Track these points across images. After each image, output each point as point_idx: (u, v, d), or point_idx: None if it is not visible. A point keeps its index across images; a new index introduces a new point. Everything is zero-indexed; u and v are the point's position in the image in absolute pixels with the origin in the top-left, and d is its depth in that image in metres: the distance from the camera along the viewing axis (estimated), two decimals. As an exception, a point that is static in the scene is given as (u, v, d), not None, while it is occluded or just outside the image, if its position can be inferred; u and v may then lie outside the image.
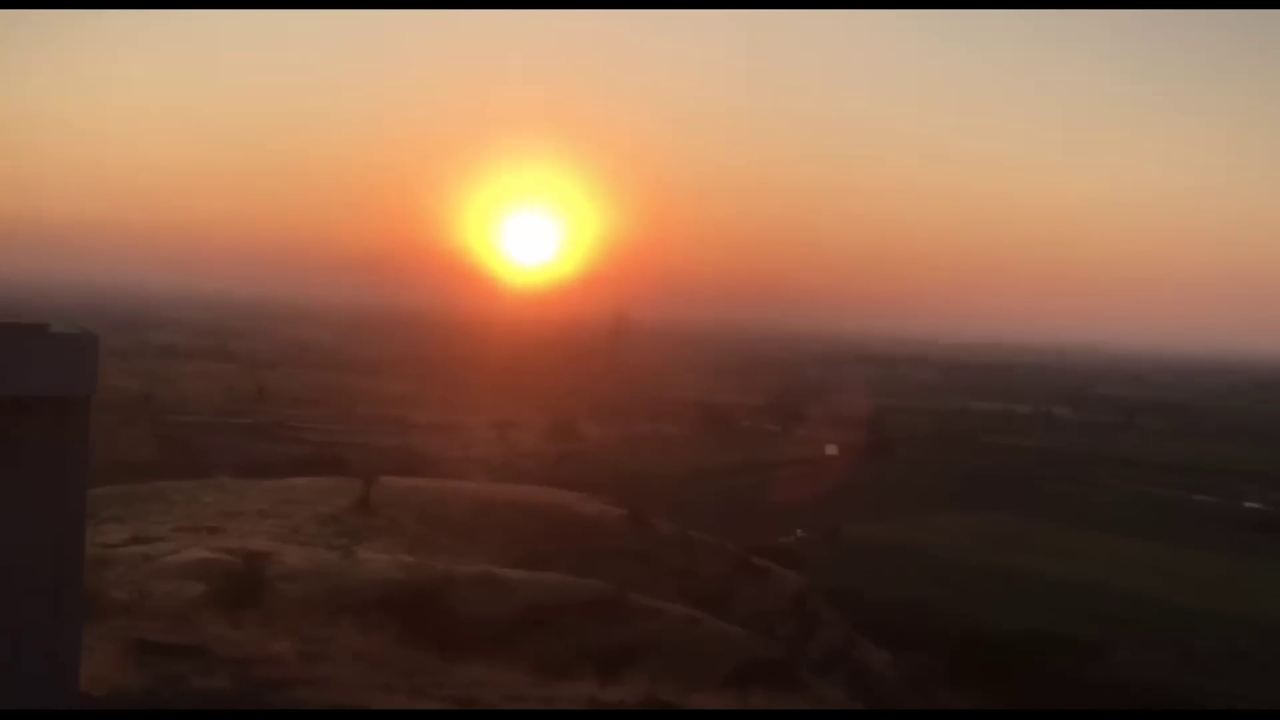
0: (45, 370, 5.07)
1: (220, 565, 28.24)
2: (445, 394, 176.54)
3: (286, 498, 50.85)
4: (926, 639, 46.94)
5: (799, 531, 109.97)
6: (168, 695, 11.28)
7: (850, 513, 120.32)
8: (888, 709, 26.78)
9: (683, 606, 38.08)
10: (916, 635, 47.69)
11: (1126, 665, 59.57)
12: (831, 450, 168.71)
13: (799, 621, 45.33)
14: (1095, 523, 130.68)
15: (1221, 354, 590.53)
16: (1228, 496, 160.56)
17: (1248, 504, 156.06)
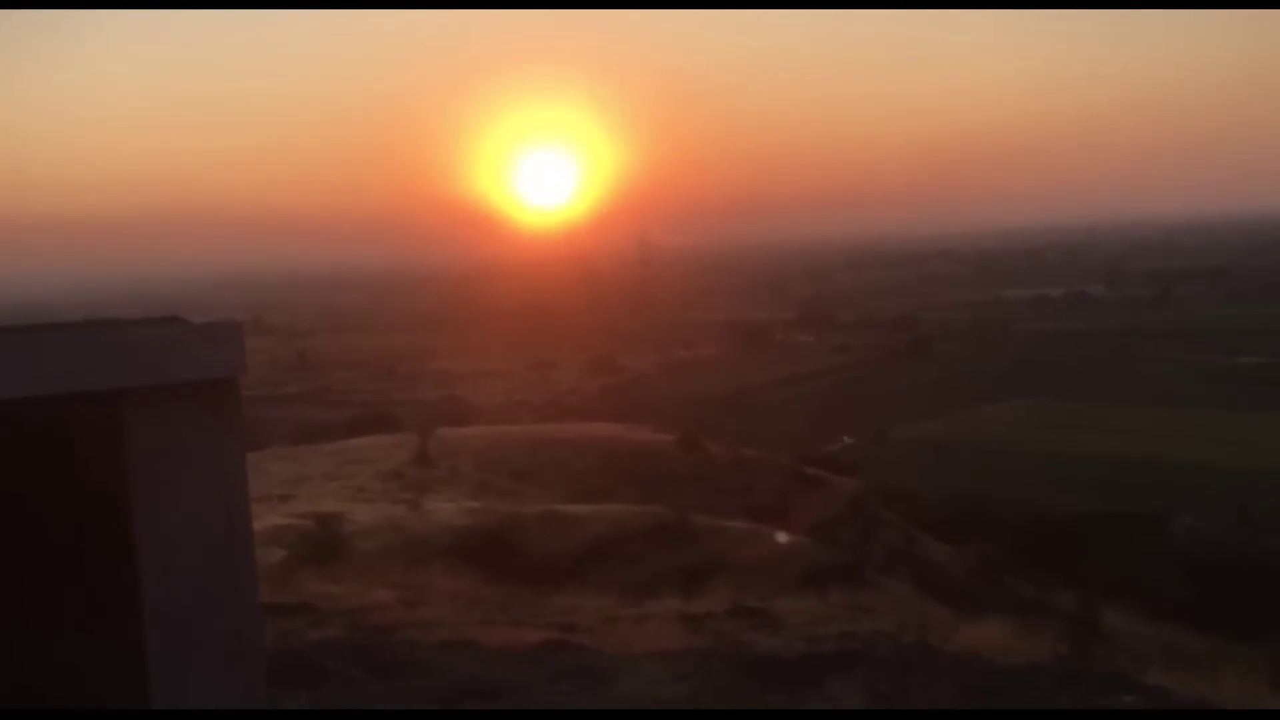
0: (199, 357, 5.65)
1: (297, 529, 29.18)
2: (482, 342, 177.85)
3: (347, 459, 52.05)
4: (986, 529, 47.53)
5: (847, 438, 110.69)
6: (293, 647, 12.05)
7: (895, 414, 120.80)
8: (956, 599, 27.47)
9: (744, 522, 38.91)
10: (975, 527, 48.29)
11: (1188, 532, 60.09)
12: (868, 355, 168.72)
13: (859, 525, 46.11)
14: (1141, 397, 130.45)
15: (1260, 211, 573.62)
16: (1274, 355, 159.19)
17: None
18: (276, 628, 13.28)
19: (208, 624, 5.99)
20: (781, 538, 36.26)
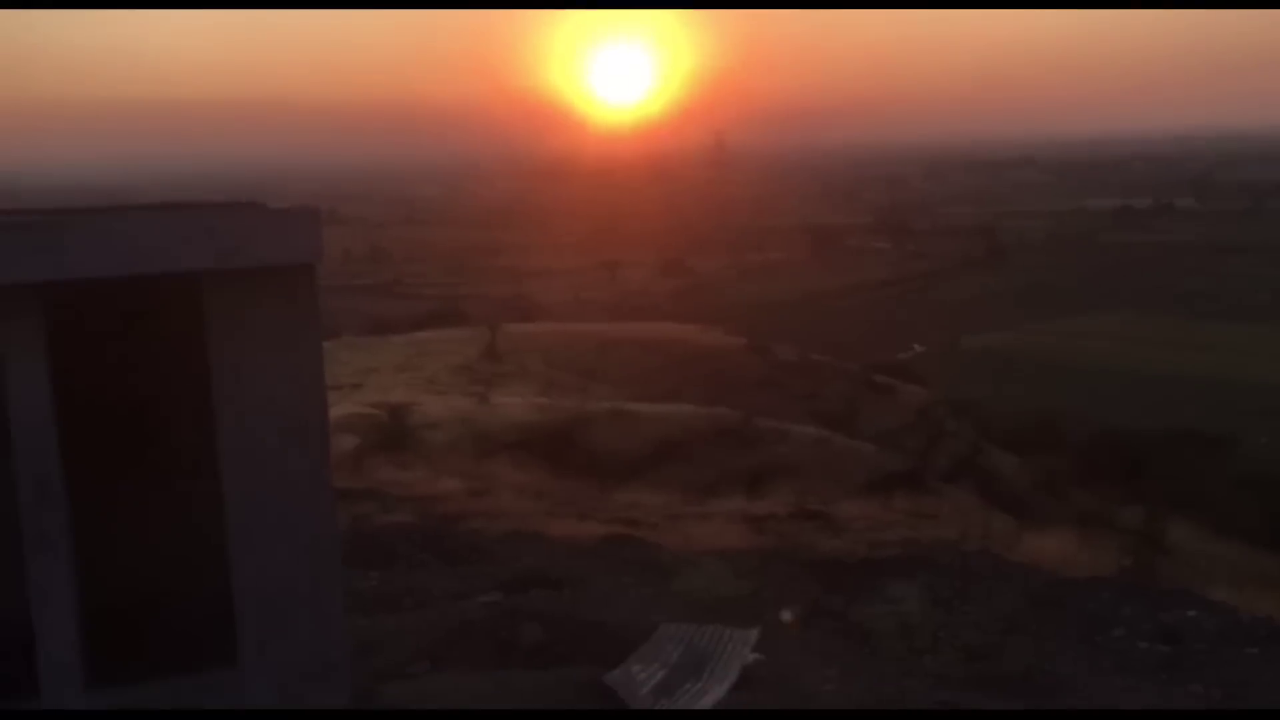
0: (278, 242, 5.72)
1: (368, 418, 29.82)
2: (552, 239, 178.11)
3: (417, 351, 52.86)
4: (1054, 443, 47.01)
5: (917, 347, 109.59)
6: (364, 530, 12.41)
7: (968, 324, 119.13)
8: (1021, 510, 27.34)
9: (810, 428, 38.90)
10: (1044, 440, 47.77)
11: (1262, 450, 58.86)
12: (943, 263, 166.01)
13: (925, 434, 45.90)
14: (1223, 314, 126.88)
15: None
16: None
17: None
18: (348, 512, 13.67)
19: (285, 502, 6.18)
20: (846, 443, 36.26)
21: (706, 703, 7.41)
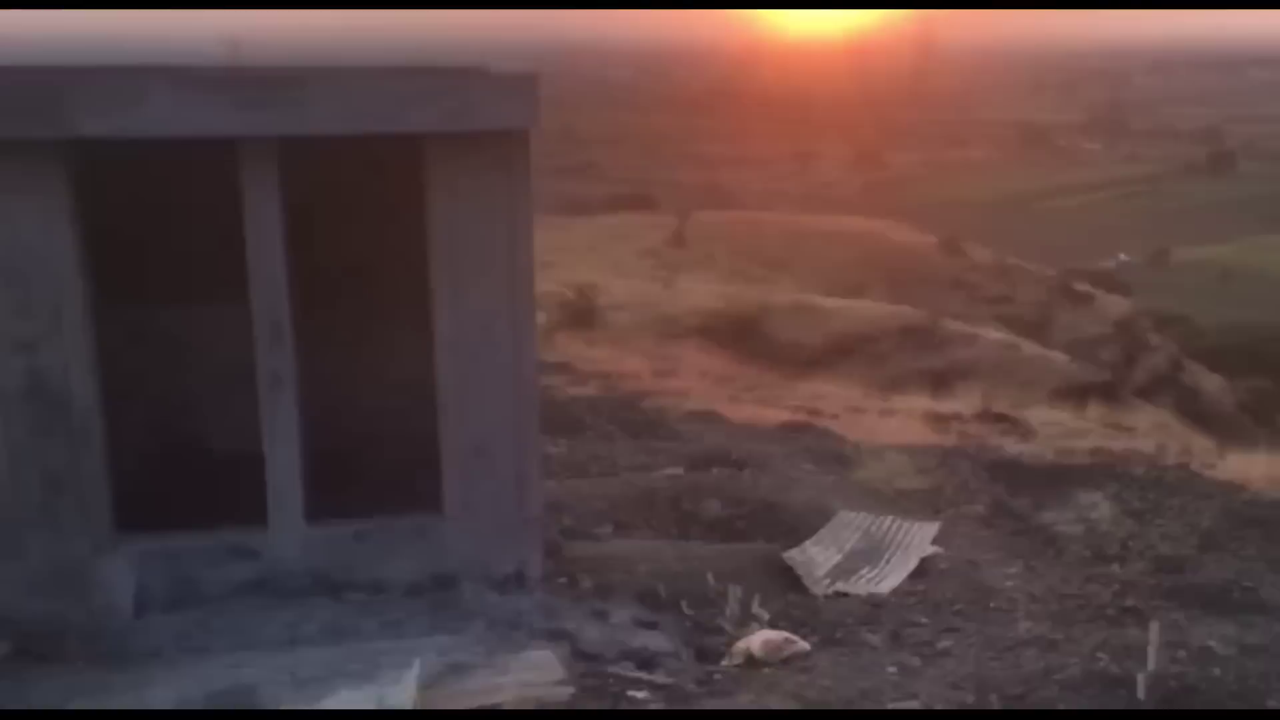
0: (497, 107, 5.90)
1: (556, 296, 30.49)
2: (747, 127, 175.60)
3: (606, 234, 53.60)
4: (1264, 363, 44.18)
5: (1122, 255, 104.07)
6: (554, 399, 12.85)
7: (1182, 234, 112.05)
8: (1223, 430, 25.93)
9: (1000, 332, 37.75)
10: (1253, 360, 44.96)
11: None
12: (1160, 168, 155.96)
13: (1123, 346, 43.89)
14: None
15: None
16: None
17: None
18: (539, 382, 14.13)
19: (491, 359, 6.48)
20: (1037, 351, 35.09)
21: (884, 588, 7.49)
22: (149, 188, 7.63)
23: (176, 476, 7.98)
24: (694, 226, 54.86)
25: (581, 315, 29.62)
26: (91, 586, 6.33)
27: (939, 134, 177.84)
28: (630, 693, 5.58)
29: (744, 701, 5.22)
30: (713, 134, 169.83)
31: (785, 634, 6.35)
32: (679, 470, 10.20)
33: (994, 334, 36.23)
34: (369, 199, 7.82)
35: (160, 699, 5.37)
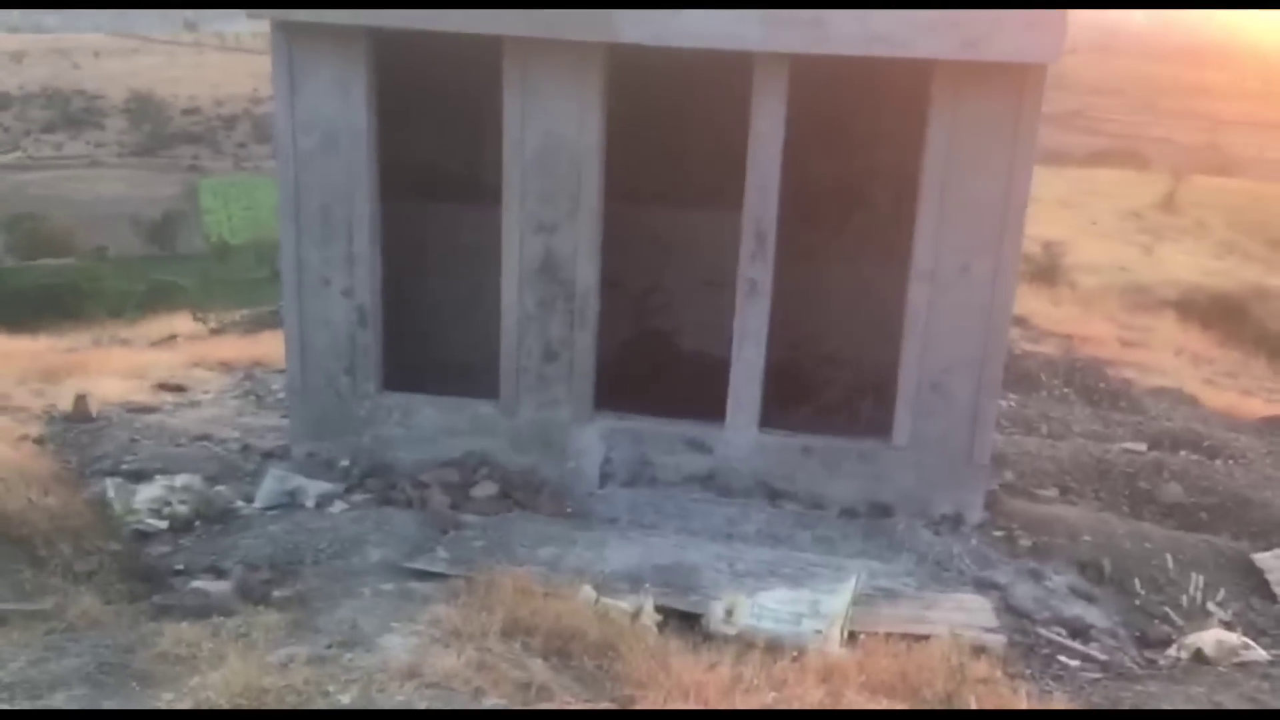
0: (1017, 40, 5.70)
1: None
2: (1264, 87, 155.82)
3: (1084, 189, 50.15)
4: None
5: None
6: (1010, 352, 12.35)
7: None
8: None
9: None
10: None
11: None
12: None
13: None
14: None
15: None
16: None
17: None
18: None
19: (966, 293, 6.35)
20: None
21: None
22: (658, 95, 8.17)
23: (647, 366, 8.64)
24: (1188, 191, 49.98)
25: (1046, 271, 28.12)
26: (567, 451, 7.07)
27: None
28: (1062, 658, 5.39)
29: (1195, 694, 4.87)
30: (1222, 91, 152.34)
31: (1243, 638, 5.82)
32: (1140, 446, 9.51)
33: None
34: (864, 124, 7.88)
35: (615, 561, 5.93)
